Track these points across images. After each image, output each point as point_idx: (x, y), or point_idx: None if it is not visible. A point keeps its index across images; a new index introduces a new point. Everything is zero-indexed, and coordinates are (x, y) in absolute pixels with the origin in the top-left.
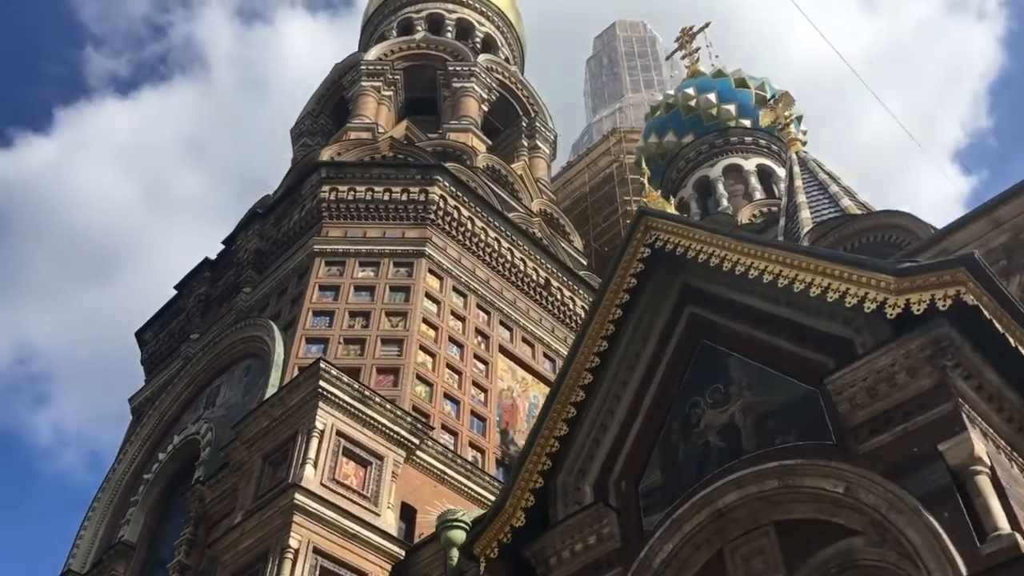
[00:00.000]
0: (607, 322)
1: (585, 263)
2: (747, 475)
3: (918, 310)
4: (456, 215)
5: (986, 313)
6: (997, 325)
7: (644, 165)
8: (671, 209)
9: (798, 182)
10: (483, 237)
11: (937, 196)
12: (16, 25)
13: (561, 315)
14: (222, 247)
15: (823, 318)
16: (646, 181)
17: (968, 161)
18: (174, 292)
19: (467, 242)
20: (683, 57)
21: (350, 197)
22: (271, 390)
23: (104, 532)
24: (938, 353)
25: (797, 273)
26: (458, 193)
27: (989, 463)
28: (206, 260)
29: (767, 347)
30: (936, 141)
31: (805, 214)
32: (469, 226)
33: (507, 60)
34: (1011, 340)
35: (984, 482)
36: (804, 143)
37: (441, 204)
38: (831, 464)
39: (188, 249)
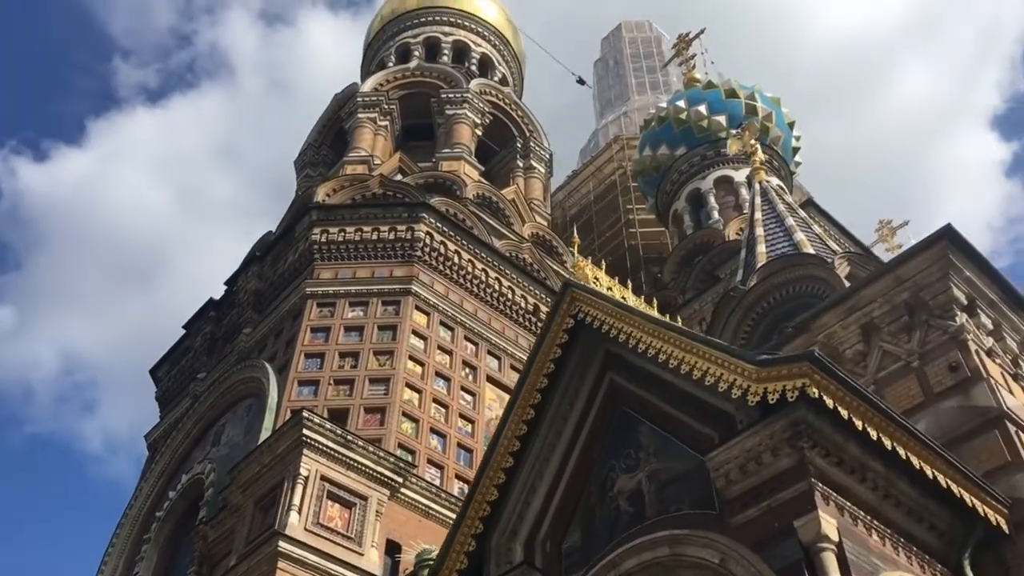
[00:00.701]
0: (535, 390)
1: None
2: (645, 542)
3: (772, 399)
4: (443, 250)
5: (829, 402)
6: (842, 411)
7: (636, 180)
8: (600, 275)
9: (758, 214)
10: (470, 269)
11: (975, 162)
12: (47, 40)
13: None
14: (224, 288)
15: (713, 394)
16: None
17: (1006, 126)
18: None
19: (454, 275)
20: (680, 64)
21: (340, 238)
22: (265, 434)
23: (123, 568)
24: (796, 435)
25: (685, 356)
26: (444, 228)
27: (837, 539)
28: (211, 300)
29: (670, 417)
30: (972, 107)
31: (761, 248)
32: (456, 259)
33: (503, 79)
34: (858, 423)
35: (829, 559)
36: (798, 164)
37: (427, 240)
38: (710, 535)
39: (225, 253)
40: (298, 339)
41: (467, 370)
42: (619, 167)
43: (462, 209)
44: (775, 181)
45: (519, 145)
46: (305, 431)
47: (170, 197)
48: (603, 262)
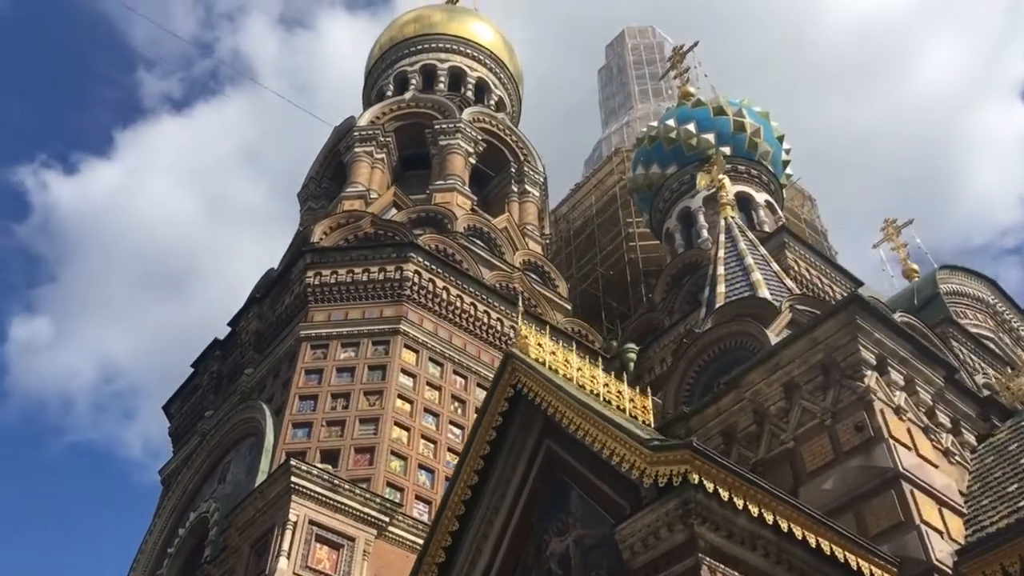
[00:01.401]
0: (478, 457)
1: (569, 308)
2: None
3: (661, 483)
4: (431, 287)
5: (710, 486)
6: (723, 492)
7: (632, 196)
8: (544, 342)
9: (721, 252)
10: (459, 304)
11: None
12: (72, 54)
13: None
14: (228, 328)
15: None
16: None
17: None
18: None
19: (443, 311)
20: (675, 77)
21: (332, 280)
22: (261, 476)
23: None
24: (687, 513)
25: (598, 434)
26: (432, 266)
27: None
28: (216, 340)
29: (595, 486)
30: (999, 80)
31: (721, 288)
32: (444, 296)
33: (500, 101)
34: (739, 501)
35: None
36: (789, 176)
37: (415, 279)
38: None
39: (254, 257)
40: (293, 382)
41: (456, 404)
42: (619, 180)
43: (451, 243)
44: (764, 196)
45: (513, 170)
46: (293, 478)
47: (197, 204)
48: (601, 276)
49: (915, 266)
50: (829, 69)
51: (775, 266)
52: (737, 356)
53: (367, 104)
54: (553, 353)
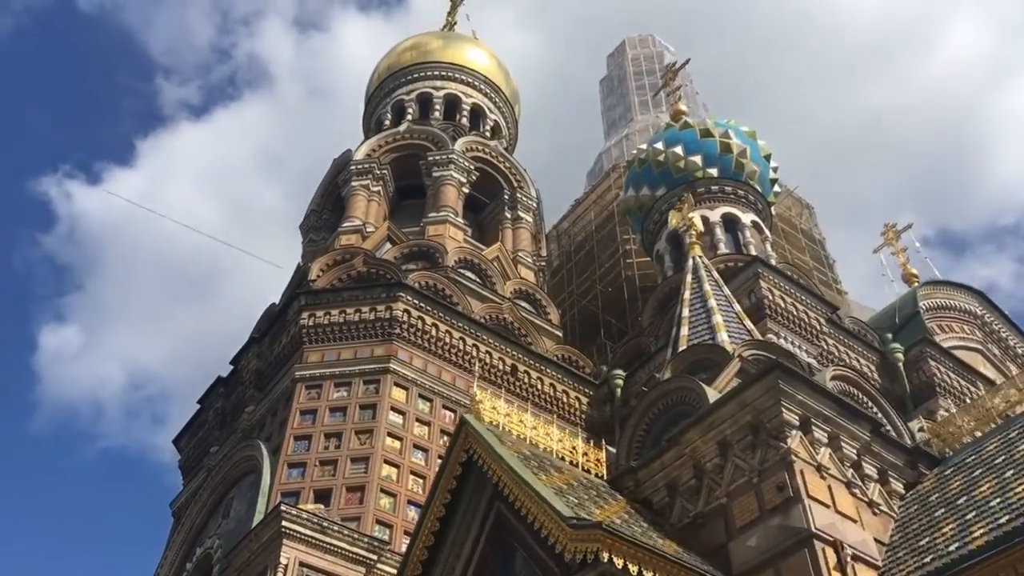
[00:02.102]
0: (435, 519)
1: (560, 335)
2: None
3: (579, 560)
4: (420, 325)
5: (619, 562)
6: (632, 568)
7: (626, 217)
8: (499, 405)
9: (687, 293)
10: (448, 340)
11: None
12: (92, 65)
13: (528, 395)
14: (231, 367)
15: None
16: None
17: None
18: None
19: (432, 347)
20: (668, 95)
21: (326, 321)
22: (258, 517)
23: None
24: None
25: (532, 507)
26: (421, 304)
27: None
28: (219, 378)
29: (535, 552)
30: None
31: (684, 331)
32: (434, 332)
33: (495, 125)
34: (648, 574)
35: None
36: (777, 193)
37: (405, 318)
38: None
39: (276, 259)
40: (288, 423)
41: (445, 438)
42: (617, 195)
43: (441, 279)
44: (751, 217)
45: (507, 196)
46: (284, 522)
47: (219, 209)
48: (600, 293)
49: (915, 271)
50: (849, 52)
51: (737, 307)
52: (683, 409)
53: (367, 130)
54: (507, 415)
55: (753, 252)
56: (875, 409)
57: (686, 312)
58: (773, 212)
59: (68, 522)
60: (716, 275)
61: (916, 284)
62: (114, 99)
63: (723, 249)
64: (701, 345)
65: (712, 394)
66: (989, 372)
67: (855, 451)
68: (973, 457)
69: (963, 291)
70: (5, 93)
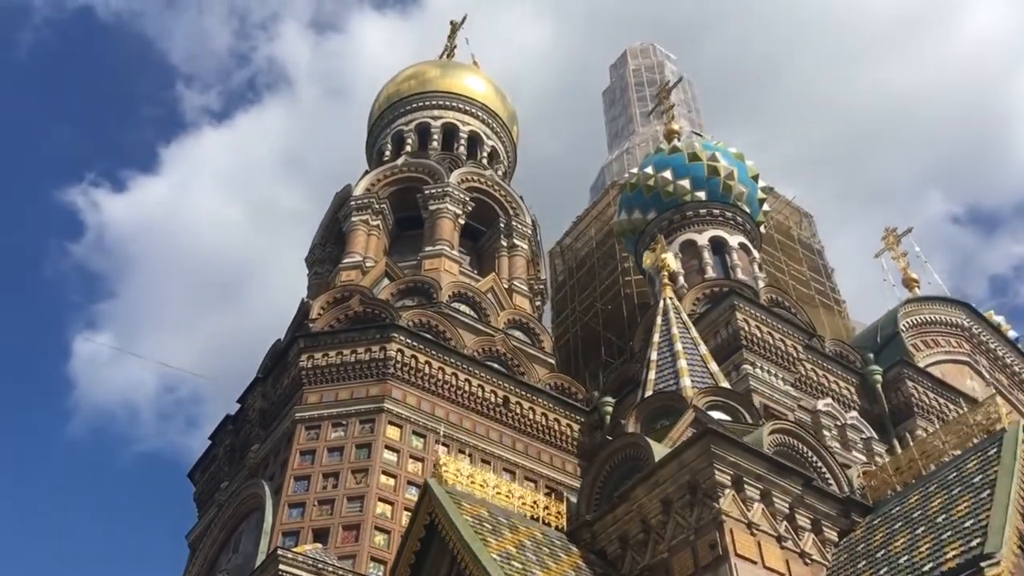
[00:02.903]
0: None
1: (553, 362)
2: None
3: None
4: (413, 364)
5: None
6: None
7: (620, 240)
8: (462, 467)
9: (656, 336)
10: (440, 376)
11: None
12: (113, 74)
13: (521, 426)
14: (238, 405)
15: None
16: None
17: None
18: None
19: (426, 384)
20: (663, 113)
21: (324, 363)
22: (260, 557)
23: None
24: None
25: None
26: (414, 343)
27: None
28: (227, 416)
29: None
30: None
31: (651, 375)
32: (427, 369)
33: (493, 151)
34: None
35: None
36: (767, 212)
37: (399, 357)
38: None
39: (299, 259)
40: (289, 463)
41: None
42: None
43: (435, 316)
44: (739, 238)
45: (502, 225)
46: (281, 566)
47: (243, 212)
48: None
49: (915, 275)
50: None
51: (703, 349)
52: (635, 465)
53: (369, 158)
54: (470, 476)
55: (740, 275)
56: (815, 458)
57: (654, 356)
58: (763, 231)
59: (107, 524)
60: (684, 316)
61: (909, 295)
62: (136, 107)
63: (710, 273)
64: (661, 394)
65: (659, 450)
66: (976, 384)
67: (787, 505)
68: (897, 508)
69: (950, 305)
70: (30, 105)
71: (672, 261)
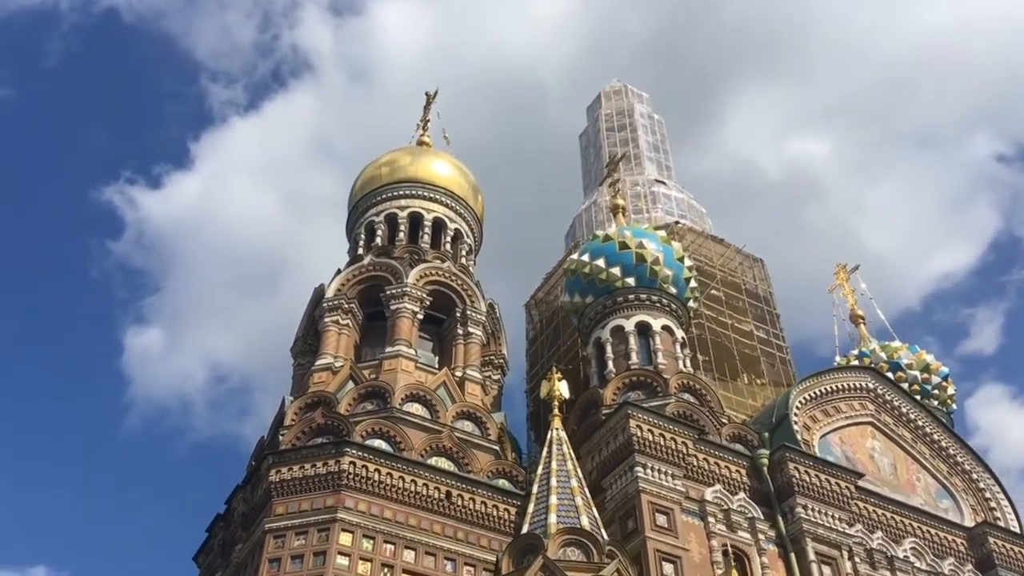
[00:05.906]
0: None
1: (497, 448)
2: None
3: None
4: (364, 473)
5: None
6: None
7: (569, 318)
8: None
9: (540, 468)
10: (389, 481)
11: None
12: (140, 73)
13: (462, 515)
14: (224, 506)
15: None
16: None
17: None
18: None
19: (375, 490)
20: (610, 185)
21: (289, 477)
22: None
23: None
24: None
25: None
26: (365, 455)
27: None
28: (218, 515)
29: None
30: None
31: (531, 508)
32: (376, 476)
33: (456, 234)
34: None
35: None
36: (694, 289)
37: (351, 469)
38: None
39: (333, 244)
40: (260, 571)
41: (385, 570)
42: None
43: (386, 423)
44: (663, 321)
45: (459, 314)
46: None
47: (276, 201)
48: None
49: (861, 312)
50: None
51: (574, 482)
52: None
53: (349, 238)
54: None
55: (661, 359)
56: None
57: (535, 488)
58: (696, 301)
59: (166, 516)
60: (566, 448)
61: (862, 324)
62: (164, 105)
63: (634, 359)
64: (527, 535)
65: None
66: (877, 442)
67: None
68: None
69: (854, 371)
70: (63, 110)
71: (564, 391)
